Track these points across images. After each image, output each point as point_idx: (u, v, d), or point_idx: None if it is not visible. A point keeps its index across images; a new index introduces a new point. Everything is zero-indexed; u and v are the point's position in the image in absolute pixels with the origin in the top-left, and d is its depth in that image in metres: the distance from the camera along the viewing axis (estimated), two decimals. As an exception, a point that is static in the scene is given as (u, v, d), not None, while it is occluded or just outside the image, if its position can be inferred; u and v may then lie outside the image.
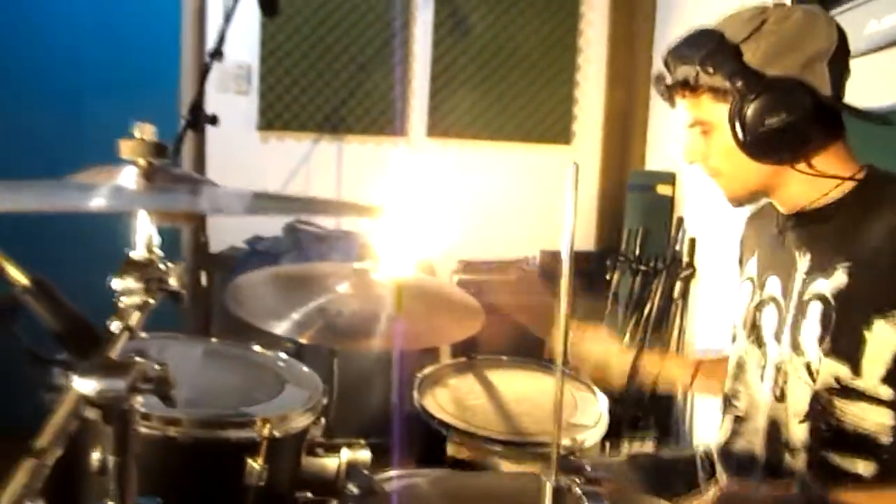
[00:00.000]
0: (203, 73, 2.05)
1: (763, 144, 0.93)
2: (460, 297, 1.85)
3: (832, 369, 0.91)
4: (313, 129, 3.02)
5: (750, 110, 0.91)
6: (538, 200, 2.99)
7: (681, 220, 2.60)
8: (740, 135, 0.93)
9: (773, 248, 1.07)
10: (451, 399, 1.66)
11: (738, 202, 1.04)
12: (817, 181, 0.96)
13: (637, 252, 2.61)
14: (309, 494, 1.29)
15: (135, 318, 0.66)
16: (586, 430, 1.54)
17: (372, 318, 1.59)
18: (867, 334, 0.87)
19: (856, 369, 0.89)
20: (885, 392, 0.87)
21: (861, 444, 0.90)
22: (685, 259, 2.47)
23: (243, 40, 2.91)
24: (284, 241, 2.88)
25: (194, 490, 1.00)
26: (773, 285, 1.05)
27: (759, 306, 1.07)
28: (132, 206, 0.64)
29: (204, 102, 2.09)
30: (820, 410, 0.93)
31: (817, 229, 0.98)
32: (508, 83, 3.07)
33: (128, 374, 0.58)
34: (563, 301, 0.68)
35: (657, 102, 2.98)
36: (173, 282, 0.70)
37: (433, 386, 1.71)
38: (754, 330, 1.07)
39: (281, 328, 1.42)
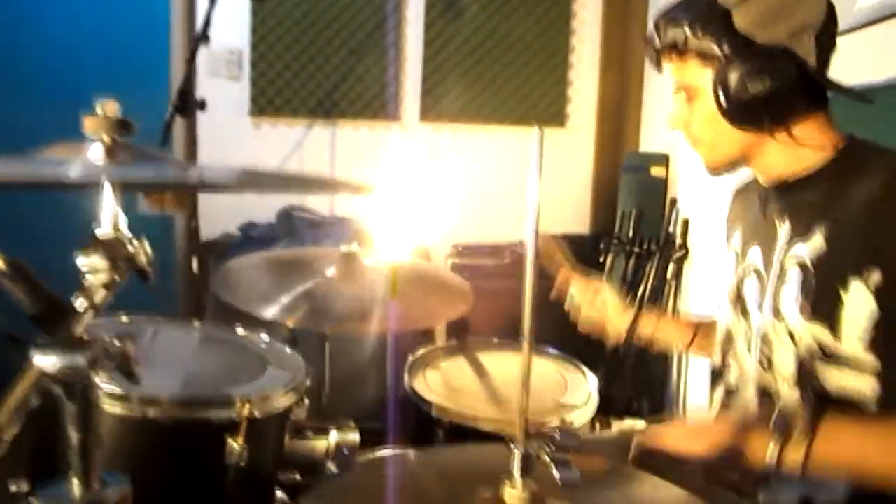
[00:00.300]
0: (191, 56, 2.04)
1: (744, 111, 0.93)
2: (449, 279, 1.85)
3: (813, 333, 0.91)
4: (306, 115, 3.00)
5: (734, 76, 0.91)
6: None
7: (674, 202, 2.58)
8: (722, 100, 0.93)
9: (755, 220, 1.07)
10: (441, 381, 1.66)
11: (718, 171, 1.04)
12: (798, 151, 0.96)
13: (631, 234, 2.60)
14: (297, 476, 1.30)
15: (100, 295, 0.66)
16: (575, 410, 1.55)
17: (360, 301, 1.59)
18: (844, 295, 0.87)
19: (836, 333, 0.89)
20: (868, 359, 0.87)
21: (847, 410, 0.89)
22: (678, 240, 2.46)
23: (234, 25, 2.90)
24: (278, 227, 2.87)
25: (175, 470, 1.00)
26: (755, 255, 1.05)
27: (743, 277, 1.07)
28: (93, 177, 0.63)
29: (193, 87, 2.08)
30: (807, 375, 0.93)
31: (797, 198, 0.99)
32: (502, 66, 3.05)
33: (88, 350, 0.58)
34: (529, 274, 0.67)
35: (652, 83, 2.96)
36: (141, 259, 0.70)
37: (424, 368, 1.72)
38: (739, 301, 1.08)
39: (270, 312, 1.43)
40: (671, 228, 2.54)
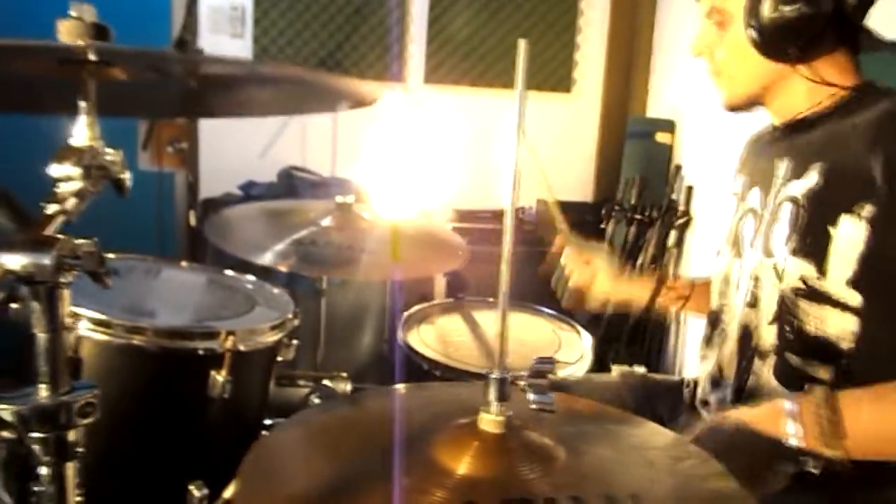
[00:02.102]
0: (189, 4, 2.01)
1: (772, 36, 0.90)
2: (446, 235, 1.83)
3: (798, 269, 0.90)
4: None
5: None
6: (536, 150, 2.95)
7: (678, 168, 2.55)
8: (753, 24, 0.90)
9: (760, 165, 1.05)
10: (435, 336, 1.66)
11: (735, 106, 1.01)
12: (814, 90, 0.94)
13: (633, 201, 2.57)
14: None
15: (72, 203, 0.65)
16: (568, 367, 1.55)
17: (355, 250, 1.58)
18: (833, 231, 0.86)
19: (821, 268, 0.87)
20: (851, 296, 0.86)
21: (822, 348, 0.89)
22: (682, 207, 2.43)
23: (237, -20, 2.86)
24: (279, 186, 2.85)
25: (158, 399, 1.00)
26: (754, 197, 1.04)
27: (741, 219, 1.06)
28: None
29: (194, 38, 2.06)
30: (786, 312, 0.92)
31: (801, 137, 0.97)
32: (507, 29, 3.00)
33: (54, 248, 0.57)
34: (508, 223, 0.65)
35: (660, 48, 2.90)
36: (116, 169, 0.69)
37: (419, 323, 1.72)
38: (736, 243, 1.06)
39: (264, 258, 1.42)
40: (675, 195, 2.51)
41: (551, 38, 3.02)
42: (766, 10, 0.89)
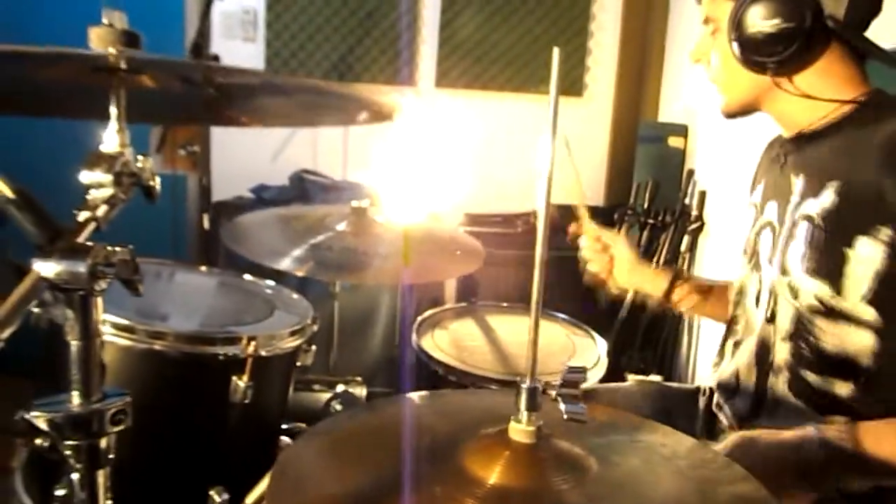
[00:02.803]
0: (205, 9, 2.01)
1: (750, 48, 0.91)
2: (461, 238, 1.83)
3: (813, 288, 0.89)
4: (320, 78, 2.97)
5: (749, 11, 0.89)
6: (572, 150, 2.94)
7: (691, 173, 2.54)
8: (733, 35, 0.91)
9: (775, 174, 1.05)
10: (449, 341, 1.65)
11: (731, 113, 1.02)
12: (813, 102, 0.94)
13: (646, 205, 2.56)
14: (303, 425, 1.30)
15: (103, 210, 0.65)
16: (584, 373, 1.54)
17: (370, 255, 1.58)
18: (849, 252, 0.86)
19: (836, 288, 0.87)
20: (868, 313, 0.85)
21: (842, 365, 0.88)
22: (694, 212, 2.42)
23: (250, -16, 2.87)
24: (290, 190, 2.86)
25: (180, 405, 1.00)
26: (771, 210, 1.03)
27: (759, 232, 1.05)
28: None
29: (208, 43, 2.06)
30: (802, 330, 0.92)
31: (813, 151, 0.96)
32: (520, 33, 3.00)
33: (89, 256, 0.57)
34: (541, 225, 0.65)
35: (672, 53, 2.90)
36: (146, 176, 0.69)
37: (432, 328, 1.71)
38: (754, 255, 1.06)
39: (280, 264, 1.42)
40: (687, 200, 2.50)
41: (563, 43, 3.02)
42: (747, 24, 0.90)
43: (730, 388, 1.06)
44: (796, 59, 0.91)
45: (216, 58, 2.09)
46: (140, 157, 0.69)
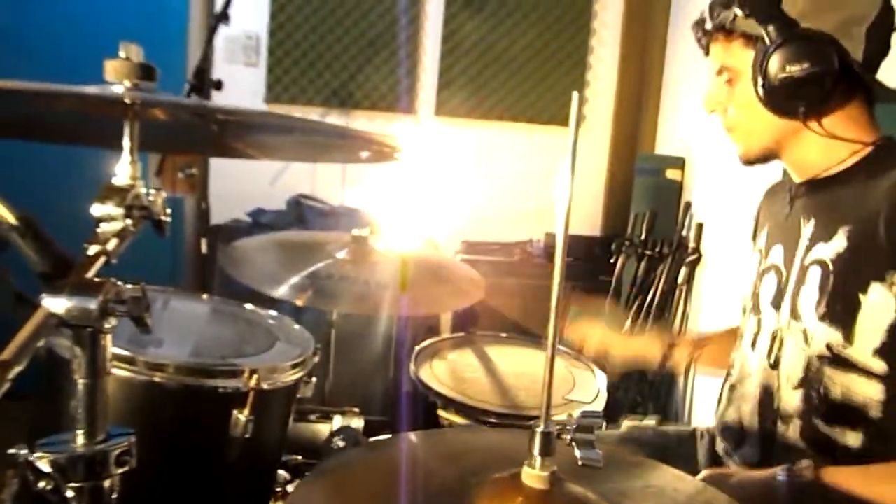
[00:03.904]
0: (209, 35, 2.03)
1: (780, 95, 0.91)
2: (461, 269, 1.82)
3: (825, 335, 0.89)
4: (320, 104, 2.99)
5: (774, 57, 0.89)
6: (545, 183, 2.95)
7: (689, 205, 2.56)
8: (760, 81, 0.91)
9: (781, 219, 1.05)
10: (447, 371, 1.64)
11: (750, 160, 1.02)
12: (832, 147, 0.94)
13: (643, 236, 2.57)
14: (299, 458, 1.27)
15: (113, 243, 0.64)
16: (583, 406, 1.52)
17: (370, 284, 1.57)
18: (863, 298, 0.85)
19: (847, 336, 0.87)
20: (877, 365, 0.85)
21: (849, 415, 0.88)
22: (691, 244, 2.43)
23: (253, 11, 2.89)
24: (288, 214, 2.85)
25: (179, 438, 0.98)
26: (776, 254, 1.03)
27: (761, 276, 1.05)
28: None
29: (210, 67, 2.07)
30: (812, 378, 0.91)
31: (825, 196, 0.97)
32: (519, 64, 3.03)
33: (99, 293, 0.56)
34: (559, 263, 0.65)
35: (670, 86, 2.93)
36: (157, 209, 0.68)
37: (430, 358, 1.69)
38: (753, 298, 1.05)
39: (279, 291, 1.40)
40: (685, 232, 2.51)
41: (561, 74, 3.05)
42: (774, 70, 0.90)
43: (735, 435, 1.04)
44: (828, 100, 0.91)
45: (219, 83, 2.10)
46: (152, 191, 0.68)
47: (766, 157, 1.01)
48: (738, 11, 0.93)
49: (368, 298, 1.54)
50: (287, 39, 2.94)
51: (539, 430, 0.63)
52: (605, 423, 1.58)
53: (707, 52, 1.02)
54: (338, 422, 1.50)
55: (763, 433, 0.99)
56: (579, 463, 0.63)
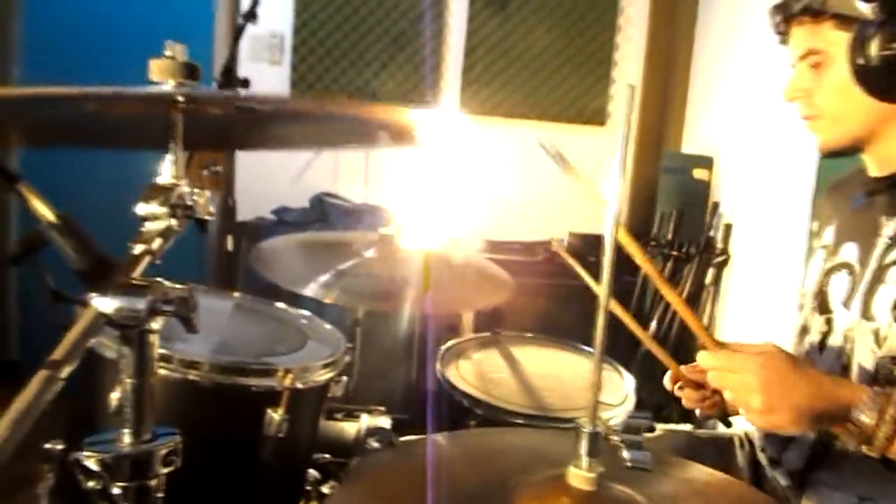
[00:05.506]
0: (237, 34, 2.03)
1: (880, 74, 0.86)
2: (489, 268, 1.82)
3: None
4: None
5: (877, 37, 0.84)
6: (569, 182, 2.93)
7: (716, 206, 2.52)
8: (860, 63, 0.86)
9: (854, 215, 1.01)
10: (474, 372, 1.63)
11: (833, 150, 0.97)
12: None
13: (669, 236, 2.54)
14: (328, 456, 1.27)
15: (157, 243, 0.64)
16: (611, 409, 1.51)
17: (398, 282, 1.57)
18: None
19: None
20: None
21: None
22: (719, 245, 2.40)
23: (277, 9, 2.90)
24: (311, 212, 2.87)
25: (214, 437, 0.98)
26: (849, 252, 0.99)
27: (829, 273, 1.02)
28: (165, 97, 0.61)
29: (236, 66, 2.08)
30: (880, 382, 0.88)
31: None
32: (544, 61, 3.01)
33: (148, 293, 0.56)
34: (608, 266, 0.63)
35: (697, 84, 2.90)
36: (200, 208, 0.68)
37: (456, 358, 1.69)
38: (818, 296, 1.02)
39: (307, 290, 1.40)
40: (712, 232, 2.48)
41: (586, 72, 3.03)
42: (874, 48, 0.85)
43: (781, 441, 1.02)
44: None
45: (246, 81, 2.11)
46: (196, 190, 0.68)
47: (851, 148, 0.96)
48: None
49: (395, 296, 1.54)
50: (311, 37, 2.95)
51: (586, 430, 0.62)
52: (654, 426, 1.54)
53: (785, 38, 0.97)
54: (365, 420, 1.51)
55: (818, 440, 0.96)
56: (627, 464, 0.62)
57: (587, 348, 1.78)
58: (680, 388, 1.04)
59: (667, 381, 1.06)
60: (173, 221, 0.65)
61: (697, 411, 1.04)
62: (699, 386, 1.00)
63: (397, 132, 0.89)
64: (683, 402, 1.06)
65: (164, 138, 0.69)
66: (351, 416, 1.54)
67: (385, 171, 2.96)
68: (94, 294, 0.56)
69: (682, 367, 1.02)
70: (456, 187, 2.90)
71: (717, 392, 0.95)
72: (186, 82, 0.66)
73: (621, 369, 1.71)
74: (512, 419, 1.40)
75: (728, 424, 1.08)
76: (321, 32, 2.95)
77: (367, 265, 1.59)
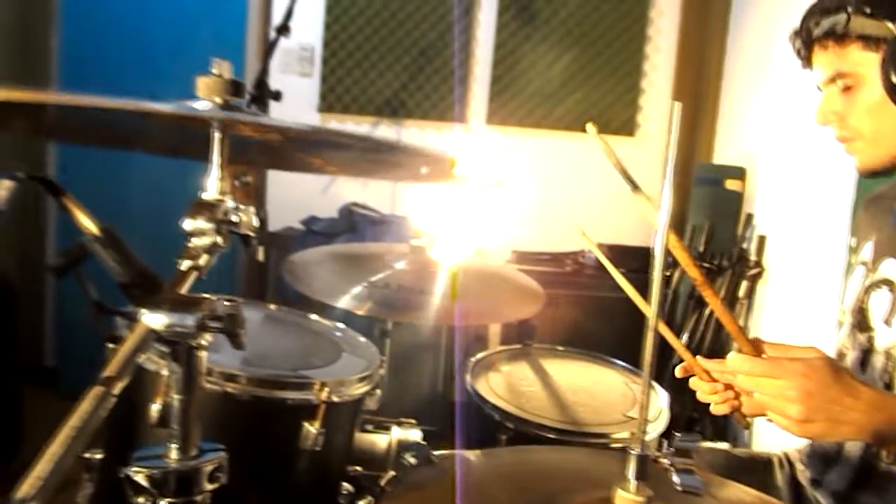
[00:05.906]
0: (270, 47, 2.06)
1: None
2: (520, 280, 1.81)
3: None
4: (373, 113, 3.01)
5: None
6: (598, 193, 2.91)
7: (750, 217, 2.48)
8: (893, 78, 0.85)
9: (894, 231, 1.00)
10: (504, 384, 1.62)
11: (874, 170, 0.96)
12: None
13: (701, 248, 2.50)
14: (359, 469, 1.27)
15: (204, 258, 0.64)
16: (647, 425, 1.48)
17: (430, 294, 1.56)
18: None
19: None
20: None
21: None
22: (753, 258, 2.36)
23: (308, 22, 2.93)
24: (340, 223, 2.88)
25: (250, 449, 0.98)
26: (890, 268, 0.97)
27: (869, 290, 1.00)
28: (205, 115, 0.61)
29: (268, 78, 2.10)
30: None
31: None
32: (572, 72, 3.00)
33: (197, 309, 0.56)
34: (657, 281, 0.62)
35: (729, 95, 2.86)
36: (245, 224, 0.68)
37: (486, 371, 1.68)
38: (859, 314, 1.00)
39: (341, 302, 1.41)
40: (745, 245, 2.44)
41: (616, 82, 3.01)
42: None
43: (823, 461, 0.99)
44: None
45: (278, 94, 2.13)
46: (241, 206, 0.68)
47: (892, 166, 0.95)
48: (855, 14, 0.87)
49: (426, 307, 1.54)
50: (340, 50, 2.98)
51: (635, 453, 0.61)
52: (664, 443, 1.52)
53: (809, 63, 0.97)
54: (396, 432, 1.50)
55: (863, 460, 0.93)
56: (678, 489, 0.61)
57: (618, 362, 1.75)
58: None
59: (678, 370, 1.03)
60: (219, 238, 0.66)
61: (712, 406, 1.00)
62: (712, 378, 0.97)
63: (439, 169, 0.89)
64: (698, 395, 1.02)
65: (204, 151, 0.70)
66: (381, 427, 1.54)
67: (413, 183, 2.98)
68: (143, 310, 0.56)
69: (704, 361, 0.97)
70: (484, 199, 2.90)
71: (729, 387, 0.92)
72: (231, 99, 0.67)
73: (654, 383, 1.69)
74: (544, 433, 1.38)
75: (747, 426, 1.04)
76: (351, 45, 2.97)
77: (397, 276, 1.59)
